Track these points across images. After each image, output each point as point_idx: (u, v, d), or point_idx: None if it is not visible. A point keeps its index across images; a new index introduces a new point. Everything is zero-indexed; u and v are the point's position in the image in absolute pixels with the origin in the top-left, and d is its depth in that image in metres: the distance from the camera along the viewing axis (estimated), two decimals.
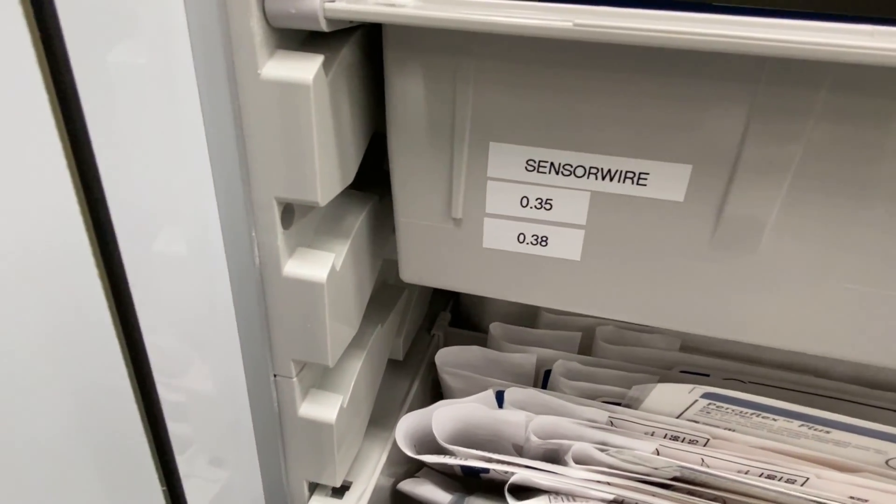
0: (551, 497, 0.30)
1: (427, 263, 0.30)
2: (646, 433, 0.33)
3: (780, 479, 0.30)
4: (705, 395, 0.31)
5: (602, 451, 0.31)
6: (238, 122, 0.23)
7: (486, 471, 0.32)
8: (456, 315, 0.49)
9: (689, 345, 0.37)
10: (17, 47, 0.15)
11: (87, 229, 0.18)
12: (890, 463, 0.31)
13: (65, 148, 0.17)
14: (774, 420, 0.31)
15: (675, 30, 0.18)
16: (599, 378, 0.36)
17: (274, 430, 0.31)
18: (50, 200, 0.17)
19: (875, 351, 0.26)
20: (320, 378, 0.32)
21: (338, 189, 0.26)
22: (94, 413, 0.20)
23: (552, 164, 0.25)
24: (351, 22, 0.23)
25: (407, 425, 0.34)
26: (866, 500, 0.30)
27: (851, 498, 0.30)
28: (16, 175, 0.16)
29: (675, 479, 0.31)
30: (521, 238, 0.27)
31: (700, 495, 0.31)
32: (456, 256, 0.29)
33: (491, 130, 0.25)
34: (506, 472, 0.31)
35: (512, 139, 0.25)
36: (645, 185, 0.24)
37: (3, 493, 0.18)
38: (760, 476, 0.31)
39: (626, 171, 0.24)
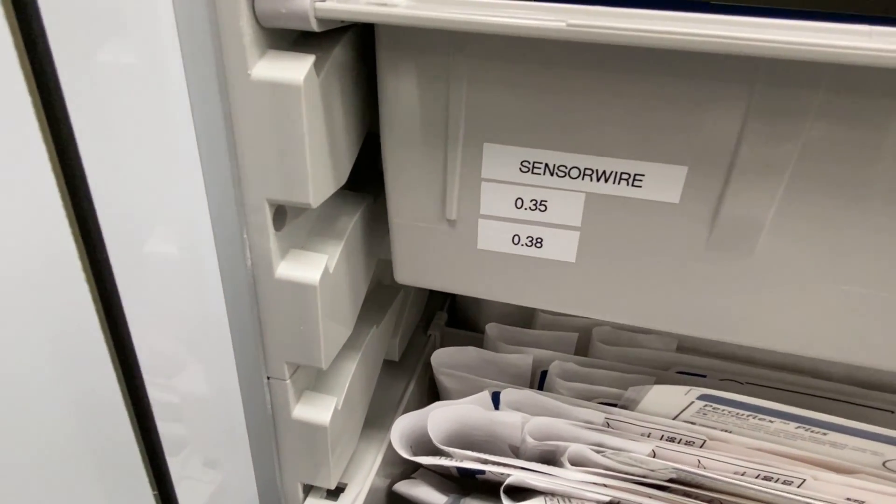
0: (547, 498, 0.30)
1: (421, 265, 0.29)
2: (642, 435, 0.33)
3: (776, 481, 0.30)
4: (702, 397, 0.31)
5: (598, 452, 0.31)
6: (228, 123, 0.23)
7: (482, 472, 0.32)
8: (452, 315, 0.48)
9: (686, 345, 0.37)
10: None
11: (74, 232, 0.18)
12: (887, 464, 0.31)
13: (49, 150, 0.16)
14: (771, 422, 0.31)
15: (670, 30, 0.18)
16: (596, 379, 0.35)
17: (268, 432, 0.31)
18: (35, 203, 0.17)
19: (871, 353, 0.26)
20: (314, 380, 0.32)
21: (331, 190, 0.26)
22: (85, 417, 0.20)
23: (547, 165, 0.25)
24: (342, 22, 0.22)
25: (403, 426, 0.34)
26: (863, 502, 0.30)
27: (848, 500, 0.30)
28: (0, 180, 0.16)
29: (671, 480, 0.31)
30: (516, 239, 0.27)
31: (696, 497, 0.30)
32: (450, 258, 0.29)
33: (485, 131, 0.25)
34: (502, 474, 0.31)
35: (506, 140, 0.25)
36: (640, 186, 0.24)
37: None
38: (757, 478, 0.30)
39: (622, 173, 0.24)
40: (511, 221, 0.27)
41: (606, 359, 0.37)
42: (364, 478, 0.35)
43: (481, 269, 0.28)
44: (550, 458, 0.33)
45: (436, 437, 0.33)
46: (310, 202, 0.24)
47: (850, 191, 0.22)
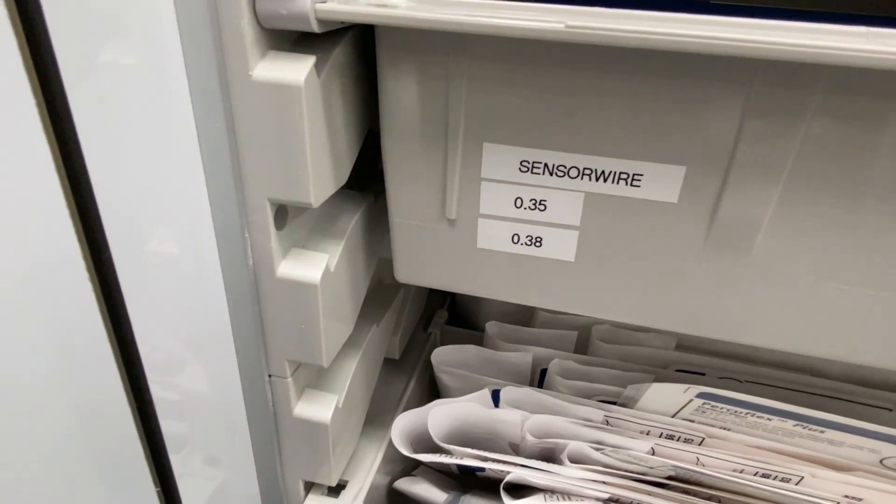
0: (547, 496, 0.30)
1: (422, 264, 0.29)
2: (641, 432, 0.33)
3: (774, 478, 0.31)
4: (700, 395, 0.31)
5: (597, 450, 0.31)
6: (230, 124, 0.23)
7: (482, 469, 0.32)
8: (452, 313, 0.49)
9: (685, 344, 0.37)
10: (3, 48, 0.15)
11: (78, 231, 0.18)
12: (884, 462, 0.31)
13: (53, 151, 0.17)
14: (769, 419, 0.31)
15: (668, 32, 0.18)
16: (595, 377, 0.36)
17: (269, 429, 0.31)
18: (39, 203, 0.17)
19: (869, 352, 0.26)
20: (315, 378, 0.32)
21: (331, 190, 0.26)
22: (88, 414, 0.20)
23: (546, 164, 0.25)
24: (342, 22, 0.23)
25: (403, 424, 0.34)
26: (860, 499, 0.30)
27: (846, 497, 0.30)
28: (3, 179, 0.16)
29: (670, 478, 0.31)
30: (516, 239, 0.27)
31: (695, 494, 0.31)
32: (450, 257, 0.29)
33: (485, 131, 0.25)
34: (502, 471, 0.31)
35: (506, 140, 0.25)
36: (639, 186, 0.24)
37: None
38: (755, 475, 0.31)
39: (620, 173, 0.24)
40: (510, 221, 0.27)
41: (606, 357, 0.37)
42: (365, 475, 0.35)
43: (481, 268, 0.29)
44: (550, 456, 0.33)
45: (436, 435, 0.33)
46: (311, 202, 0.24)
47: (848, 190, 0.22)
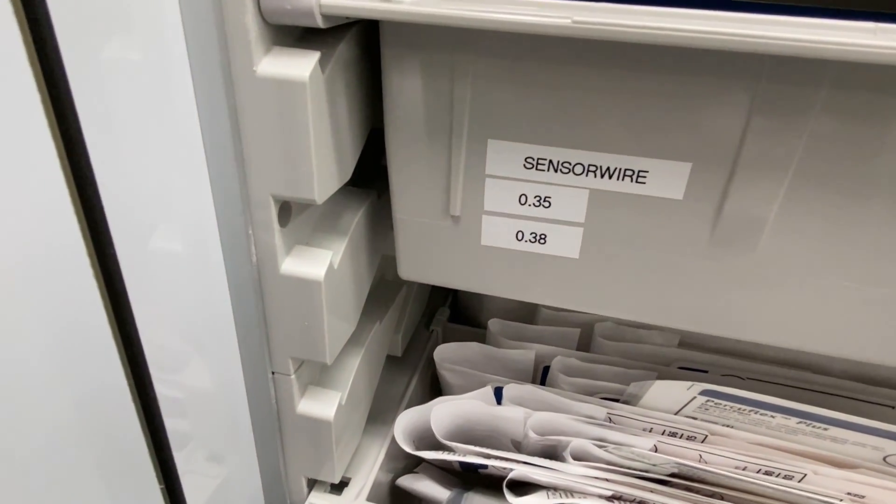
0: (549, 493, 0.30)
1: (425, 261, 0.29)
2: (644, 429, 0.33)
3: (777, 476, 0.31)
4: (703, 392, 0.31)
5: (600, 447, 0.31)
6: (234, 120, 0.23)
7: (485, 466, 0.32)
8: (455, 311, 0.49)
9: (688, 341, 0.37)
10: (8, 44, 0.15)
11: (82, 228, 0.18)
12: (887, 459, 0.31)
13: (58, 146, 0.17)
14: (772, 417, 0.31)
15: (675, 27, 0.18)
16: (598, 374, 0.36)
17: (272, 426, 0.31)
18: (44, 199, 0.17)
19: (874, 349, 0.26)
20: (318, 375, 0.32)
21: (335, 186, 0.26)
22: (92, 411, 0.20)
23: (551, 161, 0.25)
24: (347, 18, 0.22)
25: (405, 421, 0.34)
26: (863, 497, 0.30)
27: (849, 494, 0.30)
28: (8, 174, 0.16)
29: (672, 475, 0.31)
30: (520, 236, 0.27)
31: (698, 491, 0.31)
32: (454, 254, 0.29)
33: (489, 128, 0.25)
34: (504, 468, 0.31)
35: (510, 136, 0.25)
36: (644, 182, 0.24)
37: (1, 492, 0.18)
38: (758, 472, 0.31)
39: (625, 169, 0.24)
40: (515, 218, 0.27)
41: (608, 354, 0.37)
42: (367, 472, 0.35)
43: (485, 266, 0.28)
44: (552, 453, 0.33)
45: (438, 432, 0.33)
46: (315, 198, 0.24)
47: (854, 187, 0.22)
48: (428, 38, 0.23)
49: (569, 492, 0.30)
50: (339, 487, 0.34)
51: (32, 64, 0.15)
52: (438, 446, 0.33)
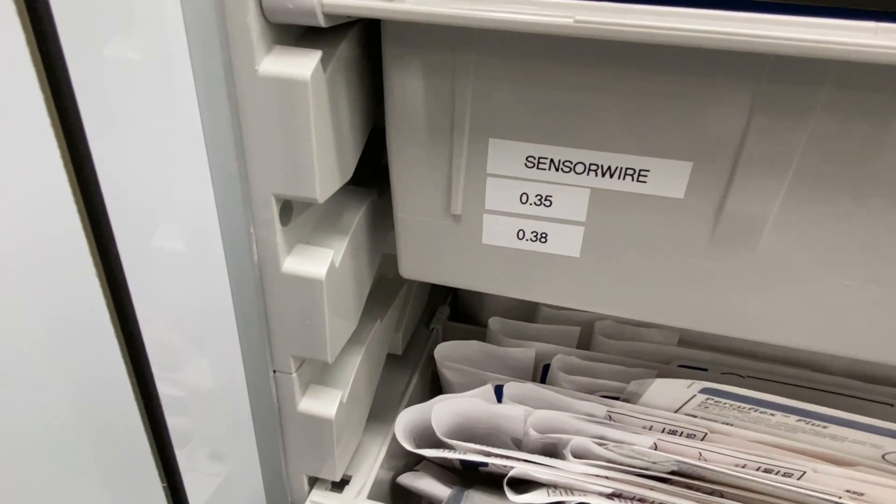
0: (550, 491, 0.31)
1: (426, 260, 0.29)
2: (644, 427, 0.33)
3: (777, 473, 0.31)
4: (703, 391, 0.31)
5: (600, 445, 0.31)
6: (236, 119, 0.23)
7: (485, 464, 0.32)
8: (455, 309, 0.49)
9: (688, 339, 0.38)
10: (10, 43, 0.15)
11: (84, 227, 0.18)
12: (886, 457, 0.31)
13: (60, 145, 0.17)
14: (772, 415, 0.31)
15: (677, 27, 0.18)
16: (598, 372, 0.36)
17: (273, 425, 0.31)
18: (46, 197, 0.17)
19: (874, 347, 0.26)
20: (319, 373, 0.32)
21: (337, 185, 0.26)
22: (94, 409, 0.20)
23: (552, 160, 0.25)
24: (349, 17, 0.22)
25: (406, 419, 0.34)
26: (862, 494, 0.30)
27: (848, 492, 0.30)
28: (11, 172, 0.16)
29: (672, 473, 0.31)
30: (521, 234, 0.27)
31: (698, 489, 0.31)
32: (455, 253, 0.29)
33: (490, 127, 0.25)
34: (504, 466, 0.31)
35: (511, 135, 0.25)
36: (645, 181, 0.24)
37: (4, 489, 0.18)
38: (758, 470, 0.31)
39: (627, 168, 0.24)
40: (516, 216, 0.27)
41: (608, 353, 0.37)
42: (368, 470, 0.35)
43: (486, 264, 0.29)
44: (553, 451, 0.33)
45: (439, 430, 0.33)
46: (316, 197, 0.24)
47: (855, 186, 0.22)
48: (429, 38, 0.23)
49: (569, 489, 0.31)
50: (339, 485, 0.34)
51: (35, 63, 0.15)
52: (439, 444, 0.33)
